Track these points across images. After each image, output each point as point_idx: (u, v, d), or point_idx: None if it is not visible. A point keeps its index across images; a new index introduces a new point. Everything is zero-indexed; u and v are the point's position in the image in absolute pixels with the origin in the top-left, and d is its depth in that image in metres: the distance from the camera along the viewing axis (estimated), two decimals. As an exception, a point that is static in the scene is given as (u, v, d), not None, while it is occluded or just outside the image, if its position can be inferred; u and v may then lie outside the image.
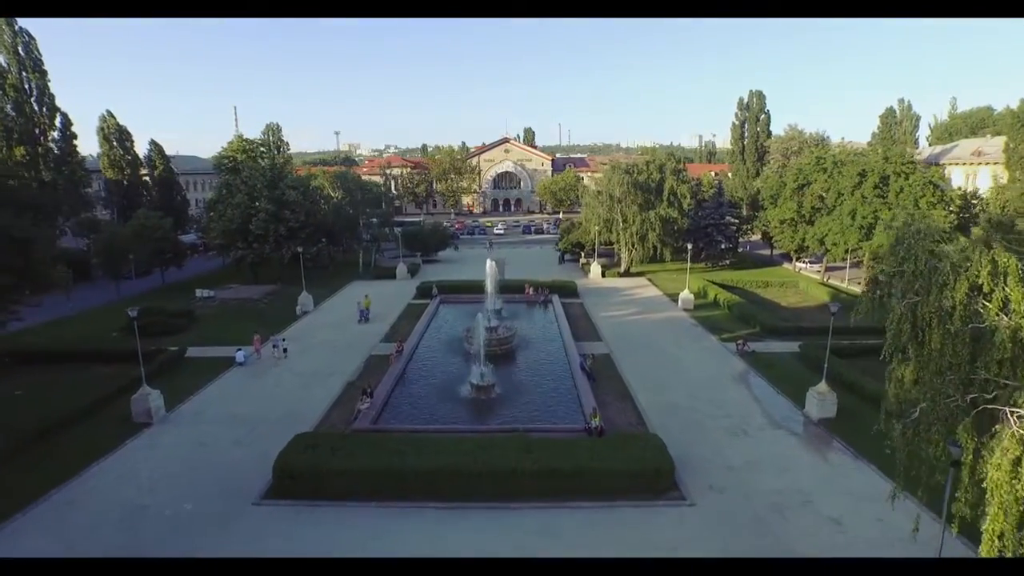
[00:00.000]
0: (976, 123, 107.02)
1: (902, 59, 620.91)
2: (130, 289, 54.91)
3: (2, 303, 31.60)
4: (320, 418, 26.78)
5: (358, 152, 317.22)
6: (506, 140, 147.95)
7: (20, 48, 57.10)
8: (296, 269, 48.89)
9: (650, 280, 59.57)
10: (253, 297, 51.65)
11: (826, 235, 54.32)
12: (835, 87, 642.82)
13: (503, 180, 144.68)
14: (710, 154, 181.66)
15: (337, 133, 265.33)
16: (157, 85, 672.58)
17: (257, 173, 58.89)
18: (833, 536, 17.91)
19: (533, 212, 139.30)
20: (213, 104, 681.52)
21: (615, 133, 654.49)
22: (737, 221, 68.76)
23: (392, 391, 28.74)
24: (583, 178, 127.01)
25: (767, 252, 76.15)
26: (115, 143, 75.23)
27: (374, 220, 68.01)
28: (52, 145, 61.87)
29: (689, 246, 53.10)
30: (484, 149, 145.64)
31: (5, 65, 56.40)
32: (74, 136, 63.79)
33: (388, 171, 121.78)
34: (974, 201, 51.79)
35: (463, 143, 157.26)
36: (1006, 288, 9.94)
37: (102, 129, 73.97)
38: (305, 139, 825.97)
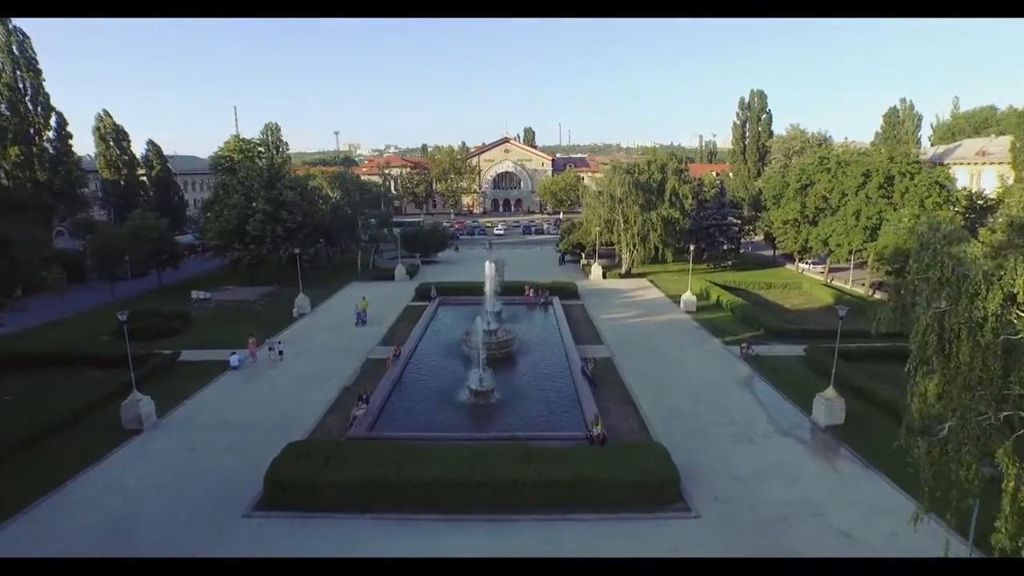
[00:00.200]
0: (979, 123, 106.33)
1: (903, 59, 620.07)
2: (125, 290, 54.26)
3: None
4: (315, 424, 26.14)
5: (358, 152, 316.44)
6: (506, 140, 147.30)
7: (14, 47, 56.47)
8: (294, 270, 48.27)
9: (651, 281, 58.91)
10: (250, 299, 50.99)
11: (830, 236, 53.66)
12: (835, 87, 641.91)
13: (503, 180, 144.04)
14: (711, 154, 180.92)
15: (337, 133, 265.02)
16: (157, 85, 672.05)
17: (254, 173, 58.27)
18: (845, 552, 17.24)
19: (533, 212, 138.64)
20: (213, 104, 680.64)
21: (615, 133, 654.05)
22: (739, 222, 68.10)
23: (389, 397, 28.09)
24: (583, 178, 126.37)
25: (769, 253, 75.53)
26: (111, 143, 74.66)
27: (372, 221, 67.32)
28: (47, 145, 61.27)
29: (692, 247, 52.44)
30: (484, 149, 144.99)
31: (-1, 64, 55.87)
32: (69, 136, 63.22)
33: (387, 171, 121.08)
34: (979, 201, 51.07)
35: (463, 143, 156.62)
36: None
37: (98, 129, 73.38)
38: (305, 139, 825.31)
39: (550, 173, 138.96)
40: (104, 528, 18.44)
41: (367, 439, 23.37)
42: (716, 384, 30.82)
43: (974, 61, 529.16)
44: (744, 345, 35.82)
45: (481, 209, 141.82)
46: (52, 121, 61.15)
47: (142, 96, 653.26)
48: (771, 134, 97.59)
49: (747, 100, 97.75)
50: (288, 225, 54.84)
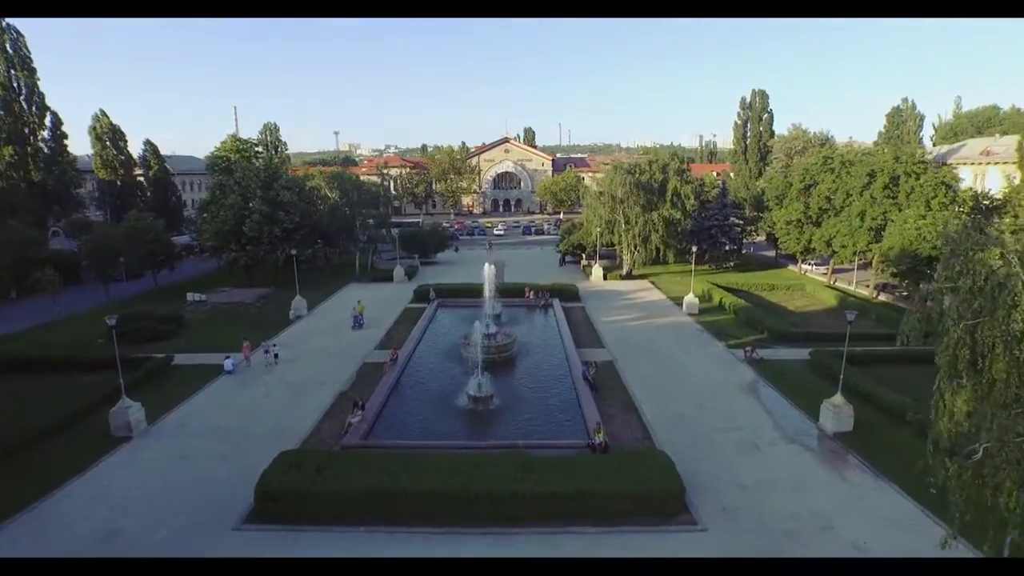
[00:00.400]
0: (982, 122, 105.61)
1: (904, 59, 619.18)
2: (120, 292, 53.65)
3: None
4: (309, 431, 25.46)
5: (358, 152, 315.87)
6: (506, 140, 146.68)
7: (8, 45, 55.93)
8: (291, 272, 47.55)
9: (653, 283, 58.23)
10: (246, 301, 50.30)
11: (834, 237, 52.99)
12: (836, 87, 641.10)
13: (503, 180, 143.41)
14: (711, 154, 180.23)
15: (336, 133, 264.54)
16: (157, 85, 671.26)
17: (251, 173, 57.62)
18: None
19: (533, 212, 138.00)
20: (213, 104, 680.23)
21: (615, 133, 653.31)
22: (742, 222, 67.45)
23: (385, 403, 27.42)
24: (584, 178, 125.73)
25: (771, 254, 74.92)
26: (108, 143, 74.03)
27: (371, 221, 66.65)
28: (42, 145, 60.69)
29: (694, 248, 51.79)
30: (484, 149, 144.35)
31: (-8, 63, 55.29)
32: (65, 136, 62.69)
33: (385, 171, 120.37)
34: (985, 202, 50.33)
35: (463, 143, 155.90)
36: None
37: (94, 128, 72.69)
38: (305, 139, 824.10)
39: (550, 173, 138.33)
40: (89, 542, 17.74)
41: (362, 447, 22.72)
42: (720, 389, 30.15)
43: (975, 61, 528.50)
44: (748, 348, 35.15)
45: (481, 209, 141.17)
46: (47, 121, 60.69)
47: (143, 96, 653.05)
48: (772, 134, 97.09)
49: (748, 100, 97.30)
50: (285, 226, 54.20)
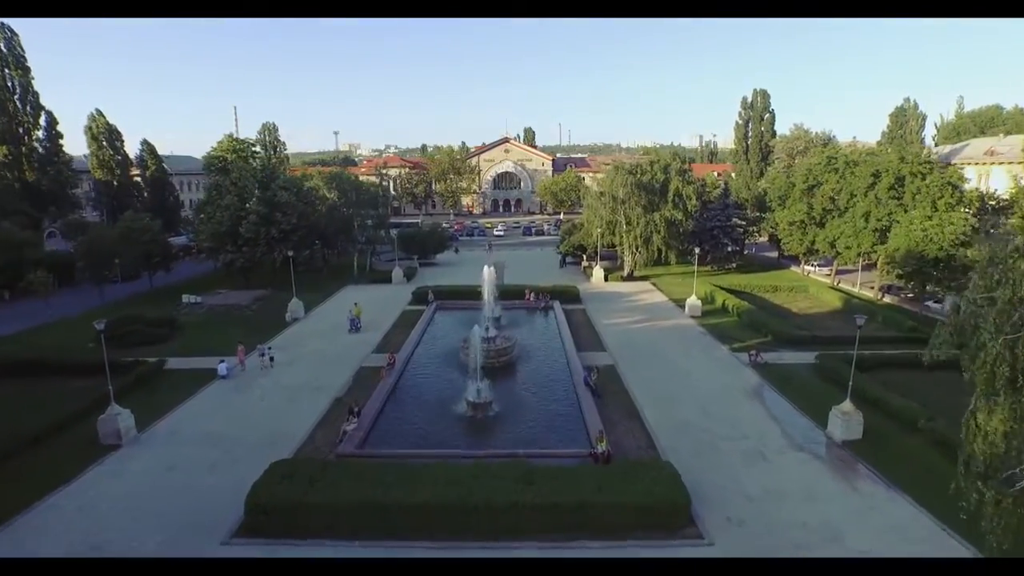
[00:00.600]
0: (985, 122, 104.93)
1: (905, 59, 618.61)
2: (115, 294, 52.92)
3: None
4: (304, 439, 24.76)
5: (358, 152, 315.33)
6: (506, 140, 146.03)
7: (1, 44, 55.25)
8: (288, 273, 46.76)
9: (654, 284, 57.57)
10: (242, 303, 49.61)
11: (838, 238, 52.32)
12: (836, 87, 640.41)
13: (503, 180, 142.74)
14: (711, 154, 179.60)
15: (336, 133, 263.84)
16: (157, 85, 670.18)
17: (247, 174, 56.92)
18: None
19: (533, 213, 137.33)
20: (213, 104, 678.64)
21: (615, 133, 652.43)
22: (744, 223, 66.76)
23: (382, 409, 26.73)
24: (584, 178, 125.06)
25: (773, 254, 74.28)
26: (104, 143, 73.40)
27: (369, 222, 65.96)
28: (36, 145, 60.03)
29: (697, 250, 51.14)
30: (484, 149, 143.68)
31: (-15, 62, 54.65)
32: (60, 135, 62.11)
33: (384, 171, 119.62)
34: (991, 202, 49.66)
35: (463, 143, 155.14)
36: None
37: (90, 128, 72.06)
38: (305, 139, 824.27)
39: (550, 173, 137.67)
40: (72, 556, 17.08)
41: (357, 456, 22.06)
42: (725, 394, 29.47)
43: (977, 61, 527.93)
44: (752, 352, 34.48)
45: (481, 209, 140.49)
46: (42, 120, 60.04)
47: (143, 96, 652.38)
48: (774, 134, 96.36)
49: (750, 99, 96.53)
50: (282, 227, 53.52)
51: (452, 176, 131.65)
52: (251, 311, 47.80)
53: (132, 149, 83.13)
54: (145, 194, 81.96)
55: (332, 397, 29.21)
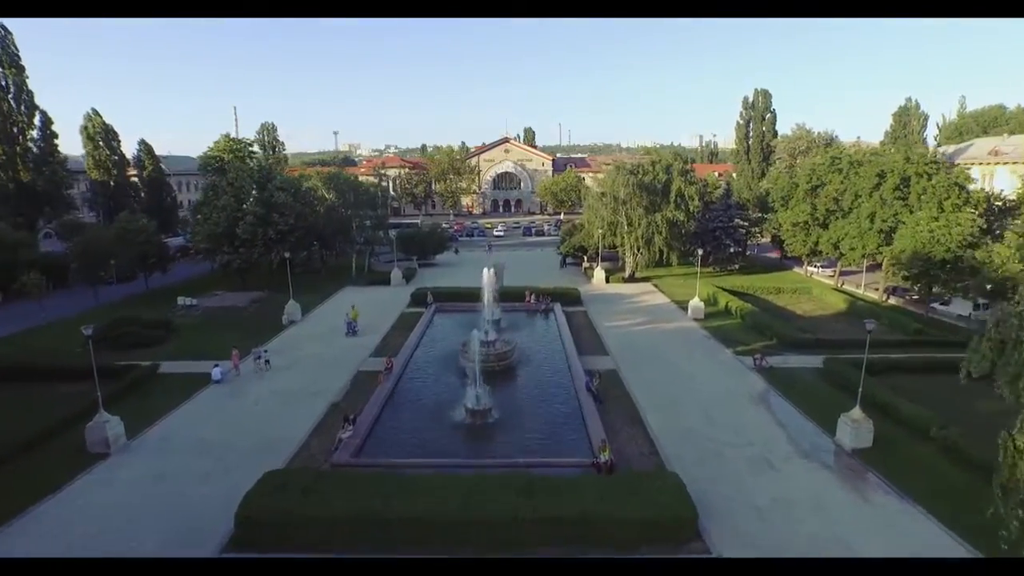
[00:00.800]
0: (987, 122, 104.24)
1: (906, 58, 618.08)
2: (110, 295, 52.27)
3: None
4: (298, 447, 24.10)
5: (358, 152, 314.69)
6: (506, 140, 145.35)
7: (-6, 43, 54.54)
8: (285, 275, 46.08)
9: (656, 286, 56.92)
10: (238, 305, 48.99)
11: (842, 239, 51.65)
12: (836, 87, 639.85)
13: (503, 180, 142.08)
14: (711, 154, 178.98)
15: (336, 133, 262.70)
16: (158, 85, 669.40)
17: (244, 174, 56.22)
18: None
19: (534, 213, 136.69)
20: (213, 104, 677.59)
21: (615, 133, 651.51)
22: (746, 224, 66.08)
23: (378, 416, 26.06)
24: (584, 178, 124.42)
25: (774, 255, 73.63)
26: (101, 143, 72.63)
27: (367, 223, 65.27)
28: (31, 144, 59.35)
29: (700, 251, 50.51)
30: (484, 149, 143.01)
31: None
32: (55, 135, 61.43)
33: (383, 171, 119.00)
34: (997, 203, 48.97)
35: (463, 143, 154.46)
36: None
37: (86, 128, 71.32)
38: (305, 139, 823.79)
39: (550, 173, 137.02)
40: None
41: (352, 466, 21.40)
42: (729, 400, 28.81)
43: (977, 61, 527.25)
44: (757, 356, 33.84)
45: (480, 210, 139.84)
46: (36, 120, 59.31)
47: (144, 97, 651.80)
48: (775, 134, 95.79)
49: (751, 99, 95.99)
50: (280, 228, 52.85)
51: (452, 176, 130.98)
52: (248, 313, 47.17)
53: (131, 149, 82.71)
54: (142, 194, 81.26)
55: (328, 402, 28.57)
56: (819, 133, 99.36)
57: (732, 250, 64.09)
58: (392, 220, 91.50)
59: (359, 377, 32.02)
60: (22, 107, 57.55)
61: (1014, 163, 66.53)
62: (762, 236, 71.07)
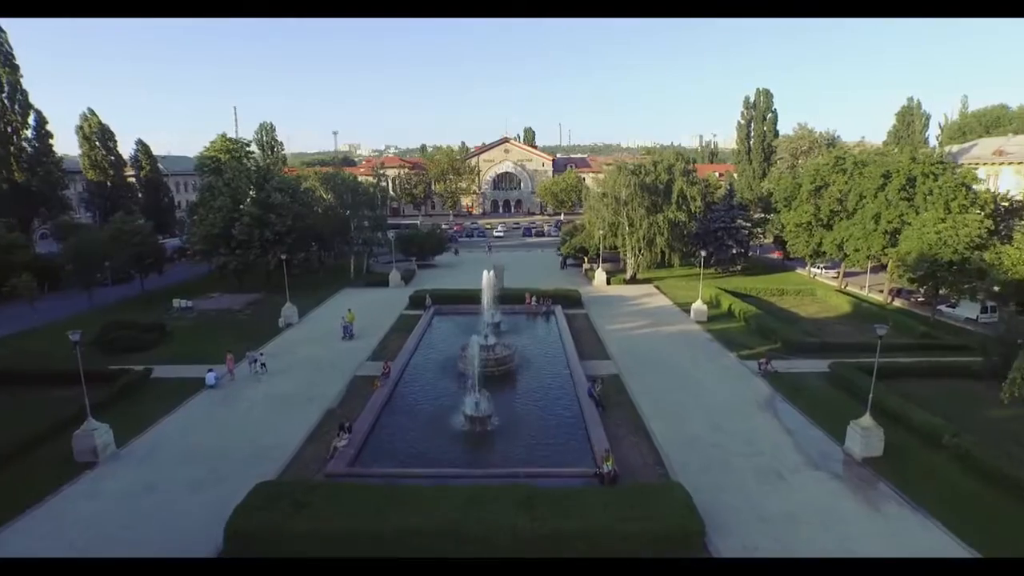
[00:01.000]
0: (990, 122, 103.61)
1: (906, 58, 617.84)
2: (105, 297, 51.53)
3: None
4: (292, 455, 23.44)
5: (358, 152, 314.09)
6: (506, 140, 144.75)
7: (-12, 41, 53.84)
8: (283, 276, 45.38)
9: (658, 287, 56.24)
10: (234, 307, 48.28)
11: (846, 240, 50.98)
12: (837, 87, 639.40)
13: (503, 181, 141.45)
14: (712, 154, 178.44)
15: (335, 133, 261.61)
16: (159, 86, 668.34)
17: (241, 174, 55.49)
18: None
19: (534, 214, 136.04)
20: (214, 104, 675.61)
21: (615, 133, 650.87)
22: (749, 224, 65.39)
23: (375, 423, 25.39)
24: (585, 179, 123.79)
25: (776, 256, 73.01)
26: (97, 143, 71.98)
27: (366, 223, 64.57)
28: (25, 144, 58.66)
29: (703, 253, 49.85)
30: (484, 149, 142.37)
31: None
32: (49, 135, 60.81)
33: (382, 171, 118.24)
34: (1004, 203, 48.31)
35: (463, 143, 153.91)
36: None
37: (82, 128, 70.64)
38: (306, 139, 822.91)
39: (551, 173, 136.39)
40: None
41: (348, 476, 20.71)
42: (735, 406, 28.11)
43: (978, 61, 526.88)
44: (762, 360, 33.15)
45: (480, 210, 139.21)
46: (31, 119, 58.65)
47: (145, 97, 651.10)
48: (777, 134, 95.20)
49: (752, 99, 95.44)
50: (277, 229, 52.14)
51: (451, 176, 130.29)
52: (244, 316, 46.48)
53: (129, 149, 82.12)
54: (139, 195, 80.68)
55: (324, 408, 27.92)
56: (821, 133, 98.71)
57: (734, 251, 63.40)
58: (392, 221, 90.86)
59: (356, 382, 31.35)
60: (16, 106, 56.87)
61: (1019, 163, 65.91)
62: (765, 237, 70.43)
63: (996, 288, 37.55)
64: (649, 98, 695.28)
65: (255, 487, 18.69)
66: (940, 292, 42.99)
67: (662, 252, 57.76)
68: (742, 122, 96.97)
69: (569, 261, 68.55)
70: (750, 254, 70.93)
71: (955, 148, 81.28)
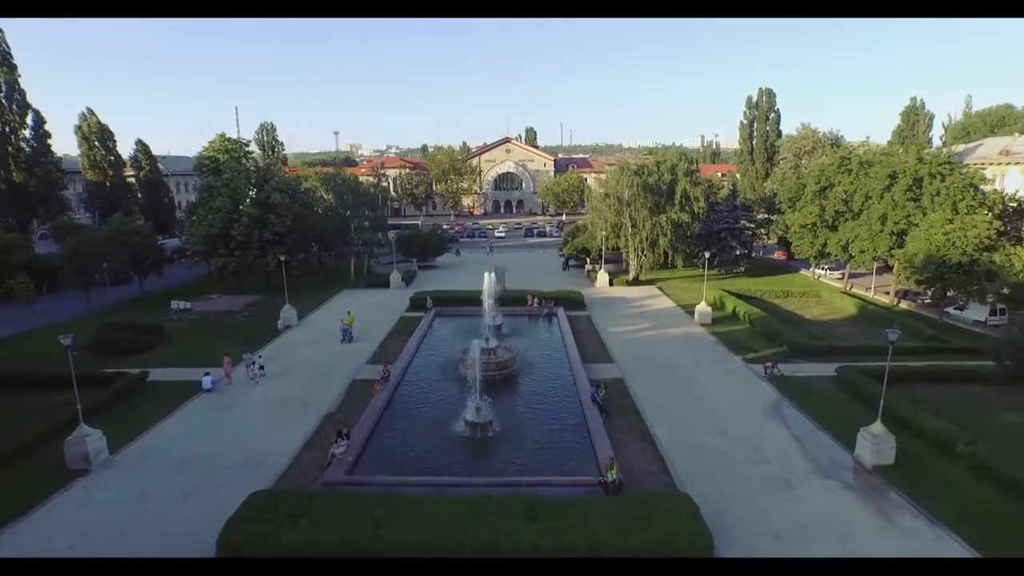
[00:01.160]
0: (995, 122, 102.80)
1: (909, 58, 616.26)
2: (103, 299, 51.08)
3: None
4: (289, 462, 22.91)
5: (360, 152, 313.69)
6: (507, 140, 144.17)
7: (-14, 41, 53.41)
8: (282, 278, 44.87)
9: (661, 289, 55.67)
10: (233, 309, 47.74)
11: (852, 241, 50.36)
12: (838, 87, 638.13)
13: (504, 181, 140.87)
14: (714, 154, 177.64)
15: (336, 133, 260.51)
16: (161, 86, 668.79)
17: (240, 175, 54.97)
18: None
19: (535, 214, 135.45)
20: (218, 104, 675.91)
21: (617, 133, 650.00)
22: (753, 225, 64.76)
23: (374, 429, 24.83)
24: (587, 179, 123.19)
25: (779, 257, 72.43)
26: (96, 143, 71.54)
27: (366, 224, 64.03)
28: (24, 144, 58.23)
29: (707, 254, 49.27)
30: (485, 149, 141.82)
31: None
32: (48, 135, 60.41)
33: (382, 172, 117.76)
34: (1012, 204, 47.66)
35: (464, 143, 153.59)
36: None
37: (80, 128, 70.18)
38: (308, 140, 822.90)
39: (552, 174, 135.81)
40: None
41: (345, 484, 20.15)
42: (742, 411, 27.52)
43: (983, 60, 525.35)
44: (768, 364, 32.55)
45: (482, 211, 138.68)
46: (29, 119, 58.21)
47: (147, 97, 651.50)
48: (779, 134, 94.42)
49: (755, 99, 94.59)
50: (276, 229, 51.66)
51: (453, 177, 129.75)
52: (243, 318, 45.98)
53: (129, 150, 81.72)
54: (139, 195, 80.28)
55: (322, 413, 27.42)
56: (824, 133, 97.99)
57: (738, 252, 62.78)
58: (393, 221, 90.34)
59: (355, 386, 30.84)
60: (14, 106, 56.46)
61: (1027, 163, 65.19)
62: (768, 238, 69.77)
63: (1006, 290, 36.95)
64: (650, 98, 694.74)
65: (249, 497, 18.18)
66: (948, 294, 42.37)
67: (665, 253, 57.20)
68: (744, 122, 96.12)
69: (571, 262, 67.99)
70: (753, 255, 70.39)
71: (960, 148, 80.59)
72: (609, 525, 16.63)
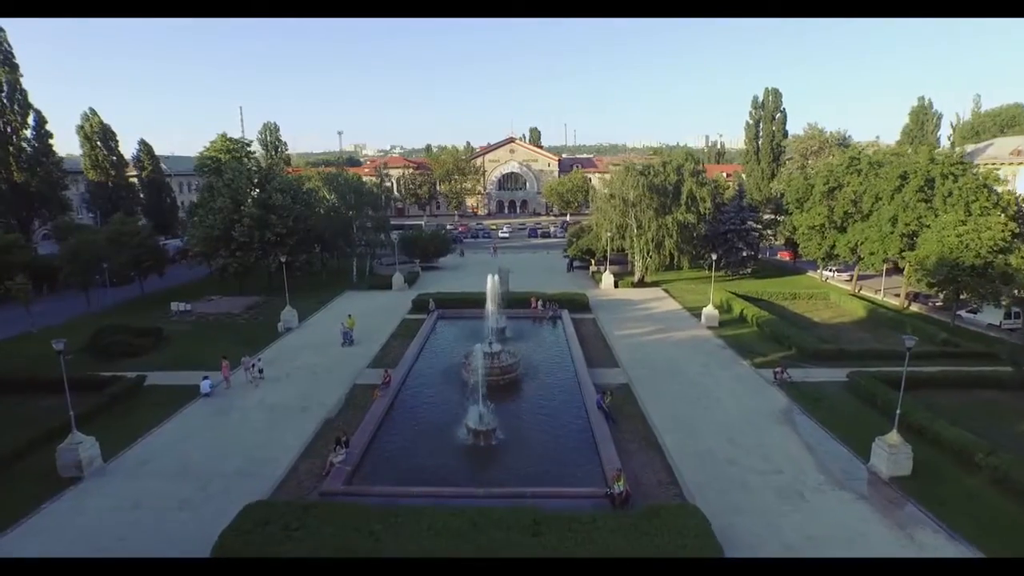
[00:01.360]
0: (1005, 121, 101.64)
1: (917, 58, 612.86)
2: (103, 300, 50.66)
3: None
4: (287, 470, 22.33)
5: (364, 153, 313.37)
6: (511, 140, 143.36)
7: (-14, 40, 53.10)
8: (284, 279, 44.31)
9: (667, 291, 54.92)
10: (234, 311, 47.20)
11: (861, 243, 49.51)
12: (844, 86, 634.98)
13: (508, 181, 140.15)
14: (719, 154, 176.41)
15: (340, 133, 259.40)
16: (167, 86, 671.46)
17: (241, 175, 54.47)
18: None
19: (539, 214, 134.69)
20: (223, 104, 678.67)
21: (621, 133, 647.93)
22: (759, 226, 63.91)
23: (373, 437, 24.21)
24: (591, 179, 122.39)
25: (785, 257, 71.54)
26: (98, 143, 71.20)
27: (368, 224, 63.46)
28: (25, 144, 57.89)
29: (713, 256, 48.45)
30: (489, 149, 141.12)
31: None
32: (49, 135, 60.04)
33: (386, 172, 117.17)
34: (1025, 205, 46.71)
35: (468, 143, 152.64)
36: None
37: (83, 128, 69.85)
38: (312, 139, 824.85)
39: (556, 174, 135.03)
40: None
41: (344, 495, 19.54)
42: (751, 418, 26.81)
43: (991, 60, 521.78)
44: (777, 369, 31.82)
45: (486, 211, 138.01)
46: (30, 119, 57.87)
47: (155, 98, 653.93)
48: (786, 134, 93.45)
49: (761, 99, 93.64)
50: (278, 230, 51.15)
51: (456, 177, 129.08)
52: (243, 320, 45.44)
53: (131, 150, 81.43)
54: (141, 195, 79.95)
55: (321, 419, 26.85)
56: (831, 133, 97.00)
57: (744, 254, 61.95)
58: (396, 221, 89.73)
59: (355, 390, 30.26)
60: (15, 106, 56.13)
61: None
62: (775, 239, 68.92)
63: (1022, 293, 36.12)
64: (654, 98, 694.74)
65: (244, 508, 17.61)
66: (961, 297, 41.52)
67: (671, 254, 56.44)
68: (750, 122, 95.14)
69: (576, 263, 67.30)
70: (759, 256, 69.54)
71: (970, 148, 79.54)
72: (615, 538, 16.00)
